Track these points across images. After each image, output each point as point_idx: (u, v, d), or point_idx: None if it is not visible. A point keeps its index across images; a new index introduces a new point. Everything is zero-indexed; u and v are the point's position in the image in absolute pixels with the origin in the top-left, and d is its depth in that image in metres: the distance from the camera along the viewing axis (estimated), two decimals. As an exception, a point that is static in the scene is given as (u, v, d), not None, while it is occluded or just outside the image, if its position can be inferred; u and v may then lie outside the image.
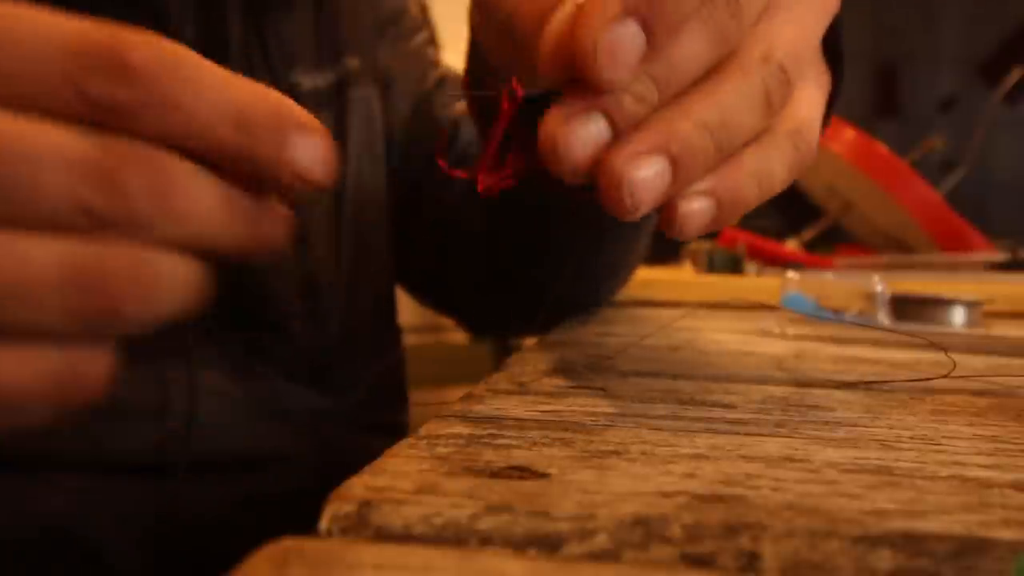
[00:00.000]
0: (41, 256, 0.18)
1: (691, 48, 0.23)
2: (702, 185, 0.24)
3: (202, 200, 0.19)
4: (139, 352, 0.42)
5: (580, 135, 0.22)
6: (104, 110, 0.18)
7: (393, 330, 0.56)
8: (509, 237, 0.53)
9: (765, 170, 0.25)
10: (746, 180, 0.25)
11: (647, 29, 0.21)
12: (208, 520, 0.40)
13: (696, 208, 0.24)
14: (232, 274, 0.44)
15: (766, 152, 0.25)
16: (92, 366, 0.19)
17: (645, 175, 0.22)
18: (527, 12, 0.25)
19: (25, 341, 0.18)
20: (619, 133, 0.23)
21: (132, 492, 0.38)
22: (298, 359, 0.46)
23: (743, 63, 0.23)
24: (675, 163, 0.23)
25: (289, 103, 0.20)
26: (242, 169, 0.20)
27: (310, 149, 0.20)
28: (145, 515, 0.38)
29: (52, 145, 0.18)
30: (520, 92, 0.23)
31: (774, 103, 0.24)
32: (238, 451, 0.42)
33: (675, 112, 0.23)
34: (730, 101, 0.23)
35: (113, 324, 0.19)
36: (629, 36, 0.21)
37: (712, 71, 0.23)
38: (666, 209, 0.24)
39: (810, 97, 0.27)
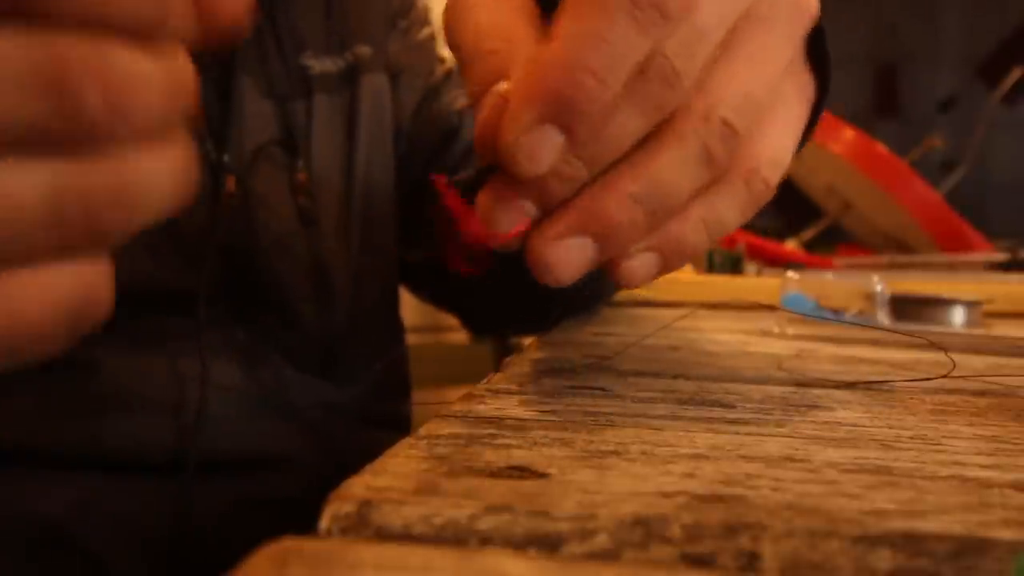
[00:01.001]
0: (15, 187, 0.17)
1: (623, 126, 0.23)
2: (644, 242, 0.25)
3: (154, 77, 0.17)
4: (152, 346, 0.42)
5: (506, 217, 0.24)
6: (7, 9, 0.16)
7: (398, 322, 0.56)
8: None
9: (713, 217, 0.25)
10: (692, 230, 0.25)
11: (568, 131, 0.22)
12: (211, 522, 0.40)
13: (638, 264, 0.25)
14: (241, 258, 0.44)
15: (715, 200, 0.25)
16: (94, 281, 0.19)
17: (563, 255, 0.23)
18: (476, 75, 0.25)
19: (22, 269, 0.18)
20: (547, 211, 0.24)
21: (134, 493, 0.38)
22: (306, 346, 0.46)
23: (680, 128, 0.23)
24: (599, 238, 0.23)
25: None
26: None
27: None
28: (147, 517, 0.38)
29: None
30: (443, 181, 0.25)
31: (717, 159, 0.24)
32: (243, 451, 0.42)
33: (601, 188, 0.23)
34: (664, 169, 0.23)
35: (105, 239, 0.18)
36: (548, 140, 0.22)
37: (650, 136, 0.23)
38: (609, 266, 0.25)
39: (782, 126, 0.26)
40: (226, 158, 0.43)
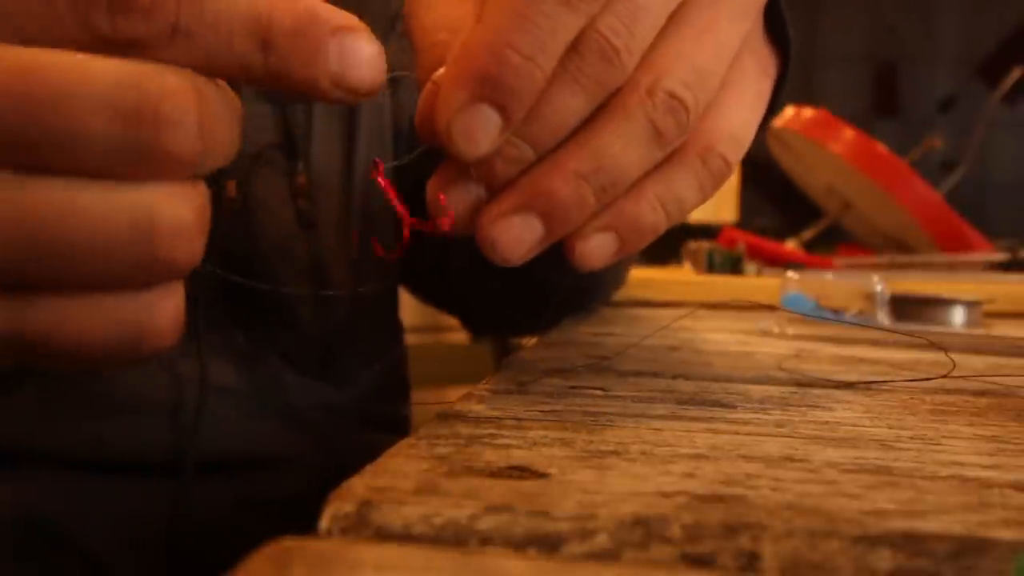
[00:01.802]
0: (104, 208, 0.18)
1: (564, 104, 0.23)
2: (598, 221, 0.24)
3: (230, 113, 0.19)
4: None
5: (454, 199, 0.24)
6: (114, 45, 0.18)
7: (397, 324, 0.56)
8: None
9: (670, 196, 0.25)
10: (649, 208, 0.25)
11: (501, 110, 0.22)
12: (210, 523, 0.40)
13: (594, 244, 0.25)
14: (240, 261, 0.44)
15: (671, 177, 0.25)
16: (163, 311, 0.20)
17: (510, 234, 0.23)
18: (422, 66, 0.25)
19: (97, 292, 0.19)
20: (494, 192, 0.24)
21: (134, 493, 0.38)
22: (305, 348, 0.46)
23: (625, 103, 0.23)
24: (545, 216, 0.23)
25: (320, 4, 0.19)
26: (283, 87, 0.19)
27: (352, 54, 0.19)
28: (146, 517, 0.38)
29: (87, 83, 0.17)
30: (380, 165, 0.25)
31: (666, 134, 0.23)
32: (242, 451, 0.42)
33: (547, 167, 0.23)
34: (609, 144, 0.23)
35: (179, 269, 0.19)
36: (482, 119, 0.22)
37: (596, 114, 0.23)
38: (565, 247, 0.25)
39: (741, 102, 0.26)
40: None
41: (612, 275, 0.57)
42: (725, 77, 0.25)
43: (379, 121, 0.52)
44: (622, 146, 0.23)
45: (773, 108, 0.29)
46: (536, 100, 0.22)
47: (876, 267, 0.90)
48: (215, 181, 0.43)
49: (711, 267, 0.82)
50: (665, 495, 0.17)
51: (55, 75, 0.17)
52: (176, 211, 0.19)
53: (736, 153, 0.26)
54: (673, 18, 0.23)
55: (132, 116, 0.17)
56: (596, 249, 0.25)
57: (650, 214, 0.25)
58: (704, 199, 0.26)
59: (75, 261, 0.18)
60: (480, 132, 0.22)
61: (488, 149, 0.22)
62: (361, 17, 0.20)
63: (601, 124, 0.23)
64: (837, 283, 0.53)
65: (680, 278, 0.70)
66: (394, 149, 0.53)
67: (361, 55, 0.19)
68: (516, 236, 0.23)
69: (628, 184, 0.24)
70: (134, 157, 0.18)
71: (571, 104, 0.23)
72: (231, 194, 0.43)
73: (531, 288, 0.54)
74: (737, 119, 0.26)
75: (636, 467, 0.19)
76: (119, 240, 0.18)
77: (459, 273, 0.57)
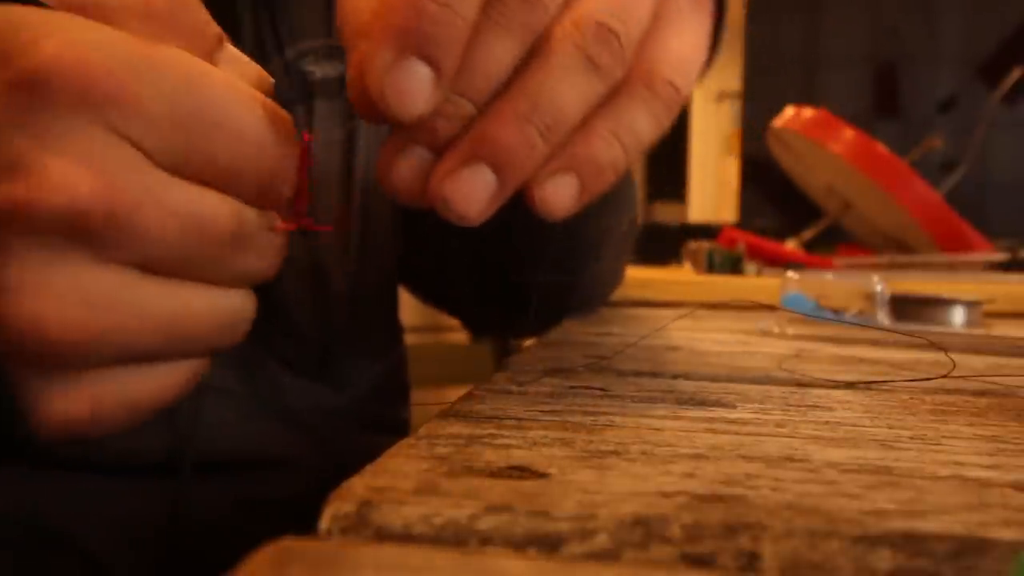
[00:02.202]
0: (210, 209, 0.22)
1: (493, 52, 0.22)
2: (553, 164, 0.24)
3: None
4: None
5: (403, 166, 0.24)
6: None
7: (396, 325, 0.56)
8: (492, 235, 0.52)
9: (624, 127, 0.24)
10: (603, 144, 0.24)
11: (430, 62, 0.21)
12: (210, 523, 0.39)
13: (552, 189, 0.24)
14: None
15: (621, 110, 0.24)
16: (247, 306, 0.25)
17: (461, 189, 0.23)
18: (347, 34, 0.25)
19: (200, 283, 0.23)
20: (441, 152, 0.23)
21: (133, 494, 0.38)
22: (304, 351, 0.46)
23: (554, 40, 0.23)
24: (496, 165, 0.23)
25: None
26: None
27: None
28: (146, 518, 0.38)
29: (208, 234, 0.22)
30: (307, 138, 0.25)
31: (602, 64, 0.23)
32: (242, 452, 0.42)
33: (488, 116, 0.23)
34: (546, 83, 0.23)
35: (254, 279, 0.25)
36: (413, 75, 0.21)
37: (529, 58, 0.23)
38: (526, 198, 0.24)
39: (680, 30, 0.26)
40: None
41: (605, 273, 0.57)
42: (658, 11, 0.25)
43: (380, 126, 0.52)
44: (558, 81, 0.23)
45: (714, 49, 0.28)
46: (465, 51, 0.22)
47: (876, 267, 0.90)
48: None
49: (711, 267, 0.82)
50: (665, 495, 0.17)
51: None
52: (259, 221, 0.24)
53: (684, 79, 0.25)
54: None
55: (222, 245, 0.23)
56: (556, 193, 0.24)
57: (606, 150, 0.24)
58: (660, 128, 0.26)
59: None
60: (413, 89, 0.21)
61: (425, 107, 0.22)
62: None
63: (536, 65, 0.23)
64: (837, 283, 0.53)
65: (680, 278, 0.70)
66: None
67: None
68: (468, 190, 0.23)
69: (574, 121, 0.24)
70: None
71: (500, 51, 0.22)
72: None
73: (515, 288, 0.54)
74: (679, 46, 0.25)
75: (636, 467, 0.19)
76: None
77: (455, 272, 0.57)
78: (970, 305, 0.53)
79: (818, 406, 0.27)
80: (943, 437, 0.23)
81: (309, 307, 0.46)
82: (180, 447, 0.39)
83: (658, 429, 0.23)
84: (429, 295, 0.62)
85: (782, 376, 0.33)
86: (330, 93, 0.48)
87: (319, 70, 0.47)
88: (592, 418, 0.24)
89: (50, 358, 0.21)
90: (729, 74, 1.68)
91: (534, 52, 0.23)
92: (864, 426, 0.25)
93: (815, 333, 0.47)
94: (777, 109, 1.17)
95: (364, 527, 0.16)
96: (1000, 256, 0.91)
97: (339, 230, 0.48)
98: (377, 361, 0.52)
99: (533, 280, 0.49)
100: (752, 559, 0.15)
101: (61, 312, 0.20)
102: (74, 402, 0.21)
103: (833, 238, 1.16)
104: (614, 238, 0.53)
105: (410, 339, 0.59)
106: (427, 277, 0.60)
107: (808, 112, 1.09)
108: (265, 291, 0.47)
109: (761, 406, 0.27)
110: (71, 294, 0.20)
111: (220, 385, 0.42)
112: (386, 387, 0.53)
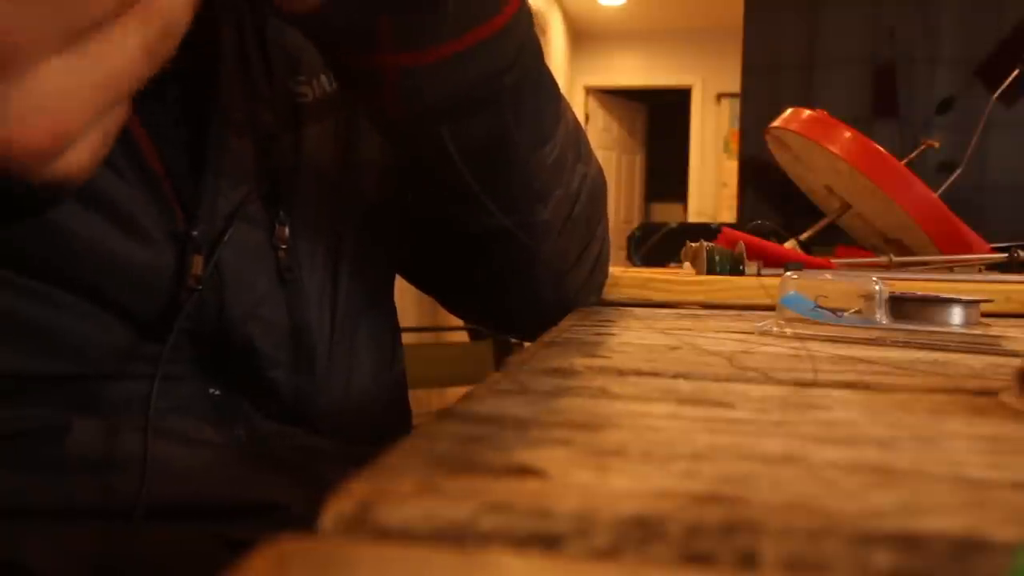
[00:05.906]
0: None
1: None
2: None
3: None
4: (119, 409, 0.41)
5: None
6: None
7: (391, 353, 0.54)
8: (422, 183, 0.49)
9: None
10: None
11: None
12: (198, 563, 0.39)
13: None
14: (209, 337, 0.42)
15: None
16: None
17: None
18: None
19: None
20: None
21: (113, 539, 0.38)
22: (283, 406, 0.45)
23: None
24: None
25: None
26: None
27: None
28: (126, 561, 0.38)
29: None
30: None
31: None
32: (224, 497, 0.41)
33: None
34: None
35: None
36: None
37: None
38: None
39: None
40: (195, 233, 0.41)
41: (558, 223, 0.50)
42: None
43: (384, 156, 0.50)
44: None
45: None
46: None
47: (875, 267, 0.90)
48: (180, 257, 0.40)
49: (711, 267, 0.82)
50: (665, 495, 0.17)
51: None
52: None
53: None
54: None
55: None
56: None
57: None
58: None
59: None
60: None
61: None
62: None
63: None
64: (836, 283, 0.53)
65: (680, 278, 0.70)
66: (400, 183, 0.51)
67: None
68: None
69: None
70: None
71: None
72: (196, 272, 0.41)
73: (473, 243, 0.50)
74: None
75: (636, 467, 0.19)
76: None
77: (457, 266, 0.56)
78: (969, 305, 0.53)
79: (817, 406, 0.27)
80: (943, 437, 0.23)
81: (288, 370, 0.45)
82: (153, 500, 0.38)
83: (658, 429, 0.23)
84: (435, 295, 0.61)
85: (781, 376, 0.33)
86: (322, 115, 0.47)
87: (310, 91, 0.46)
88: (592, 418, 0.24)
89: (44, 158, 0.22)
90: (728, 75, 1.68)
91: None
92: (863, 426, 0.25)
93: (815, 333, 0.47)
94: (776, 110, 1.17)
95: (364, 527, 0.16)
96: (998, 256, 0.91)
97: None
98: (371, 405, 0.50)
99: (480, 227, 0.47)
100: (751, 558, 0.15)
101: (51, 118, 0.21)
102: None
103: (832, 238, 1.16)
104: (545, 171, 0.47)
105: (410, 339, 0.59)
106: (432, 278, 0.60)
107: (807, 112, 1.09)
108: (243, 356, 0.46)
109: (760, 406, 0.27)
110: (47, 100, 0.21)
111: (197, 437, 0.41)
112: (382, 424, 0.52)
